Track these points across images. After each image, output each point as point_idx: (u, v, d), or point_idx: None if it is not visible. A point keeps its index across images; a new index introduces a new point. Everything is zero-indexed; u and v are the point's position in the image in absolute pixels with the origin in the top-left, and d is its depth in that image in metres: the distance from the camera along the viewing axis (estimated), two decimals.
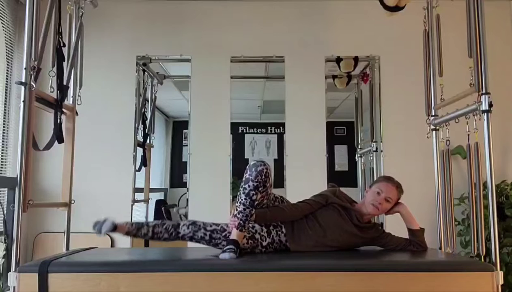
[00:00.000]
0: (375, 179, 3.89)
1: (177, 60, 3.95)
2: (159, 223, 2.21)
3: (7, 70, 3.56)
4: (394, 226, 3.41)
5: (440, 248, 2.58)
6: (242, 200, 2.12)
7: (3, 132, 3.53)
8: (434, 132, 2.76)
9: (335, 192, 2.43)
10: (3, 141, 3.52)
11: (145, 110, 4.09)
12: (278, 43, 3.85)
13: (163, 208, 4.30)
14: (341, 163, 4.43)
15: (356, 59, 3.92)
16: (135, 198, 3.75)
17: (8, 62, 3.58)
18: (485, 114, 2.15)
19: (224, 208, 3.66)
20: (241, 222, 2.11)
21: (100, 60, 3.79)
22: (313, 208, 2.34)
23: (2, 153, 3.50)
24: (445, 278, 1.98)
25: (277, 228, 2.29)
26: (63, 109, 2.60)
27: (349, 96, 4.43)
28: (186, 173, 3.79)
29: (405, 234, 2.46)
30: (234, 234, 2.12)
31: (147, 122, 4.09)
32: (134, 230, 2.18)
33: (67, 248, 2.66)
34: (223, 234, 2.20)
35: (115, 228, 2.16)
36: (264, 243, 2.25)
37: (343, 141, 4.49)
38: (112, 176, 3.70)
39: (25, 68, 2.21)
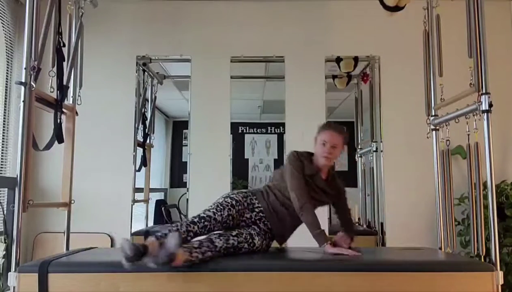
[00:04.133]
0: (374, 179, 3.90)
1: (177, 60, 3.95)
2: (210, 247, 2.06)
3: (7, 70, 3.57)
4: (394, 225, 3.43)
5: (440, 248, 2.58)
6: None
7: (3, 132, 3.53)
8: (434, 132, 2.76)
9: (300, 162, 2.37)
10: (3, 141, 3.52)
11: (145, 110, 4.09)
12: (278, 43, 3.85)
13: (163, 208, 4.30)
14: (341, 163, 4.43)
15: (356, 59, 3.92)
16: (135, 198, 3.75)
17: (8, 62, 3.58)
18: (485, 114, 2.15)
19: None
20: None
21: (100, 60, 3.79)
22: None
23: (2, 153, 3.50)
24: (445, 278, 1.98)
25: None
26: (63, 109, 2.60)
27: (349, 96, 4.43)
28: (186, 173, 3.79)
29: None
30: None
31: (147, 122, 4.10)
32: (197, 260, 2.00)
33: (67, 248, 2.66)
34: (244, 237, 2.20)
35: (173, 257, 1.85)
36: (254, 234, 2.25)
37: None
38: (112, 176, 3.70)
39: (25, 68, 2.21)
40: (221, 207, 2.20)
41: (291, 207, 2.25)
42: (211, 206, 2.21)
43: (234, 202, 2.25)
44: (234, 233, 2.17)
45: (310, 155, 2.40)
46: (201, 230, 2.11)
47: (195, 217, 2.14)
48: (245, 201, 2.30)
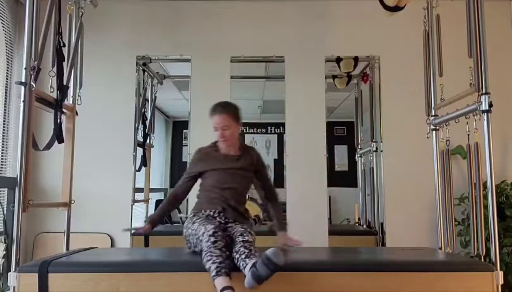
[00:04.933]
0: (374, 179, 3.90)
1: (177, 60, 3.94)
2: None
3: (7, 70, 3.56)
4: (394, 225, 3.42)
5: (440, 248, 2.58)
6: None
7: (3, 132, 3.53)
8: (434, 132, 2.76)
9: (199, 156, 2.50)
10: (3, 141, 3.52)
11: (145, 110, 4.09)
12: (278, 43, 3.85)
13: None
14: (341, 163, 4.43)
15: (356, 59, 3.92)
16: (135, 198, 3.75)
17: (8, 62, 3.58)
18: (485, 114, 2.15)
19: None
20: None
21: (100, 60, 3.79)
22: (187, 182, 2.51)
23: (2, 153, 3.50)
24: (445, 278, 1.99)
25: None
26: (63, 109, 2.60)
27: (349, 96, 4.43)
28: None
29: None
30: None
31: (147, 122, 4.09)
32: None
33: (67, 248, 2.66)
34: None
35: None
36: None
37: (343, 141, 4.50)
38: (112, 176, 3.69)
39: (25, 68, 2.21)
40: (206, 222, 2.18)
41: (232, 188, 2.37)
42: (201, 227, 2.14)
43: (205, 217, 2.32)
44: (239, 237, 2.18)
45: (215, 142, 2.50)
46: (222, 240, 2.07)
47: (211, 237, 2.02)
48: (204, 213, 2.35)
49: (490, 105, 2.14)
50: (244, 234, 2.13)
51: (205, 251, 1.98)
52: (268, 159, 4.68)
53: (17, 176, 2.14)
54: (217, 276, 1.89)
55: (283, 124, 3.85)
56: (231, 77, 3.83)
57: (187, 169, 2.54)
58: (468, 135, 2.28)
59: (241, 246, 2.06)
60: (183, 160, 4.18)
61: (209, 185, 2.43)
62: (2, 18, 3.49)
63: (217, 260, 1.93)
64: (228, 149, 2.46)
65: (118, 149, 3.74)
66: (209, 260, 1.94)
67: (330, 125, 3.85)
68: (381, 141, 3.77)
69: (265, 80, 4.38)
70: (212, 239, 2.00)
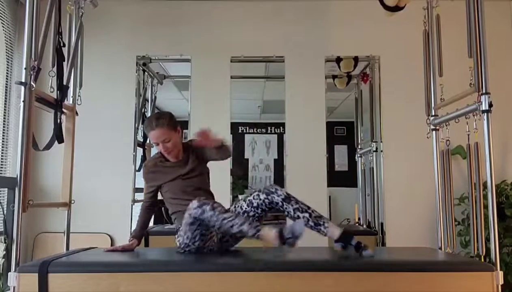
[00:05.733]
0: (374, 179, 3.90)
1: (177, 60, 3.95)
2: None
3: (7, 70, 3.56)
4: (394, 225, 3.41)
5: (440, 248, 2.58)
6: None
7: (3, 132, 3.53)
8: (434, 132, 2.76)
9: (149, 172, 2.52)
10: (3, 141, 3.52)
11: (145, 110, 4.09)
12: (278, 43, 3.85)
13: (163, 208, 4.30)
14: (341, 163, 4.44)
15: (356, 59, 3.92)
16: (135, 198, 3.75)
17: (8, 62, 3.58)
18: (485, 114, 2.15)
19: None
20: None
21: (100, 60, 3.79)
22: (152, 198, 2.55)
23: (2, 153, 3.50)
24: (445, 278, 1.98)
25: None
26: (63, 109, 2.60)
27: (349, 96, 4.43)
28: None
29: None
30: None
31: None
32: None
33: (67, 248, 2.66)
34: None
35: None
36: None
37: (343, 141, 4.50)
38: (112, 176, 3.70)
39: (25, 68, 2.21)
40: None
41: (197, 188, 2.44)
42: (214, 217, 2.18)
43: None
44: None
45: (159, 152, 2.48)
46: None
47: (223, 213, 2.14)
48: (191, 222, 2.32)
49: (490, 105, 2.14)
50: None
51: (225, 222, 2.06)
52: (268, 159, 4.69)
53: (17, 176, 2.14)
54: (257, 231, 2.03)
55: (283, 124, 3.85)
56: (231, 77, 3.83)
57: (146, 187, 2.54)
58: (468, 135, 2.27)
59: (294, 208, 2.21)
60: None
61: (175, 197, 2.44)
62: (2, 18, 3.49)
63: (244, 221, 2.07)
64: (175, 157, 2.47)
65: (118, 149, 3.74)
66: (236, 224, 2.06)
67: (330, 125, 3.85)
68: (381, 141, 3.77)
69: (265, 80, 4.39)
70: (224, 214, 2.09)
